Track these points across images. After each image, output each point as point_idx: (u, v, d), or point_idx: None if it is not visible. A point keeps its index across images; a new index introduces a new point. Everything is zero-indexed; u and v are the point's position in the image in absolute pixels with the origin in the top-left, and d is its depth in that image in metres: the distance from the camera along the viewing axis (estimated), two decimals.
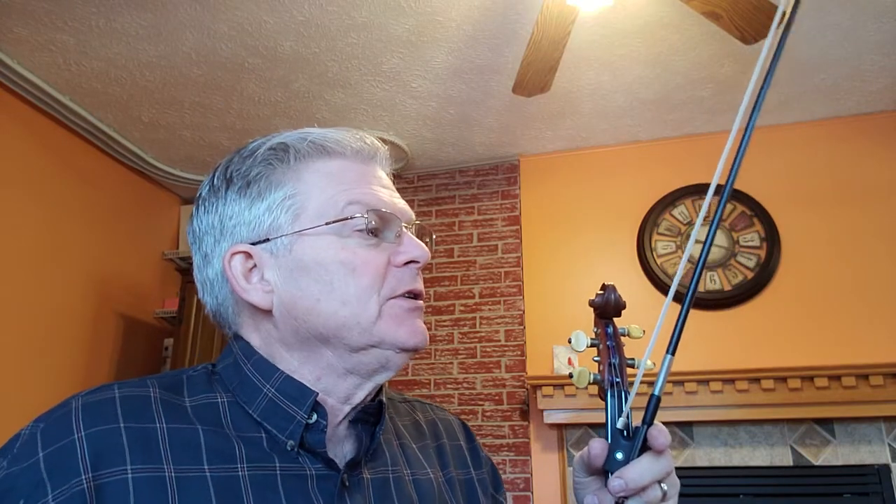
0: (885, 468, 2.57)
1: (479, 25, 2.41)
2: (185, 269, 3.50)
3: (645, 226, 3.12)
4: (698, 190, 3.12)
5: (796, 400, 2.60)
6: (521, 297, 3.20)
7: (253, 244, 0.66)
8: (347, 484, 0.63)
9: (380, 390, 0.72)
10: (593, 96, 2.90)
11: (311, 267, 0.64)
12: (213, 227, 0.69)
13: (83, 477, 0.54)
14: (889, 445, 2.59)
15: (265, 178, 0.67)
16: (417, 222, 0.72)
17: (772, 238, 2.95)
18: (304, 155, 0.68)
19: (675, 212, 3.12)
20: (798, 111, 3.02)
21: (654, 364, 0.63)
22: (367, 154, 0.70)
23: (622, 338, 0.70)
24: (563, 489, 2.85)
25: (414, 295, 0.68)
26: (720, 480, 2.69)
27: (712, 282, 2.97)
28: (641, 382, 0.61)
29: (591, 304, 0.72)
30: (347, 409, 0.67)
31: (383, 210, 0.67)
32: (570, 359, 2.95)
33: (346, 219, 0.65)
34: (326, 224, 0.65)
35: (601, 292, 0.72)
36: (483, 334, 3.19)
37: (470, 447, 0.83)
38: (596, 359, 0.69)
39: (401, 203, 0.70)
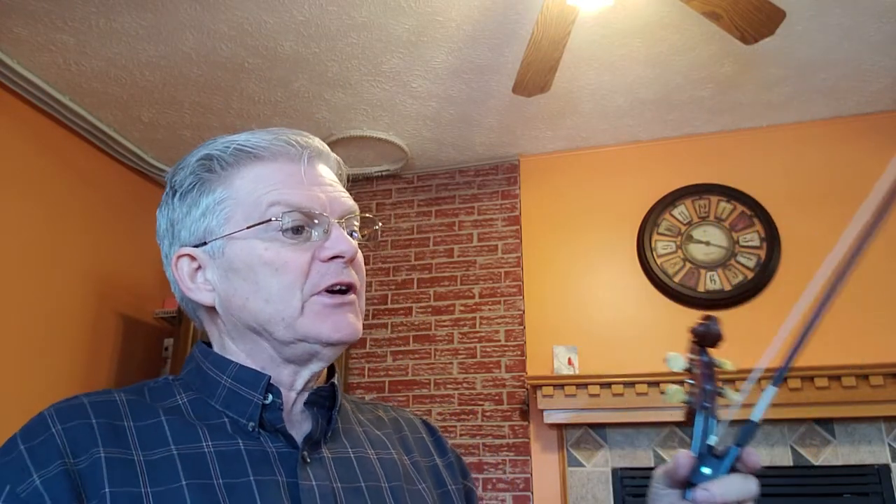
0: (885, 468, 2.57)
1: (479, 25, 2.41)
2: None
3: (645, 226, 3.12)
4: (698, 190, 3.12)
5: (796, 400, 2.60)
6: (521, 297, 3.20)
7: (195, 247, 0.72)
8: (308, 460, 0.67)
9: (332, 374, 0.76)
10: (593, 96, 2.90)
11: (240, 268, 0.69)
12: (167, 231, 0.75)
13: (65, 460, 0.58)
14: (889, 445, 2.59)
15: (197, 186, 0.72)
16: (363, 215, 0.76)
17: (772, 238, 2.95)
18: (230, 163, 0.71)
19: (675, 212, 3.12)
20: (798, 111, 3.02)
21: (738, 394, 0.68)
22: (294, 154, 0.72)
23: (715, 368, 0.74)
24: (563, 489, 2.85)
25: (345, 288, 0.70)
26: None
27: (712, 282, 2.97)
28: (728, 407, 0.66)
29: (693, 331, 0.75)
30: (293, 395, 0.71)
31: (306, 208, 0.69)
32: (570, 359, 2.94)
33: (267, 221, 0.68)
34: (248, 227, 0.68)
35: (703, 321, 0.75)
36: (483, 334, 3.19)
37: (433, 439, 0.86)
38: (690, 381, 0.73)
39: (337, 196, 0.73)
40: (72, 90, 2.76)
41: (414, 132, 3.15)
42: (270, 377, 0.69)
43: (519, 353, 3.11)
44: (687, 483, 0.63)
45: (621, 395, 2.77)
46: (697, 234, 3.07)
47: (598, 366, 2.90)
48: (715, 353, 0.75)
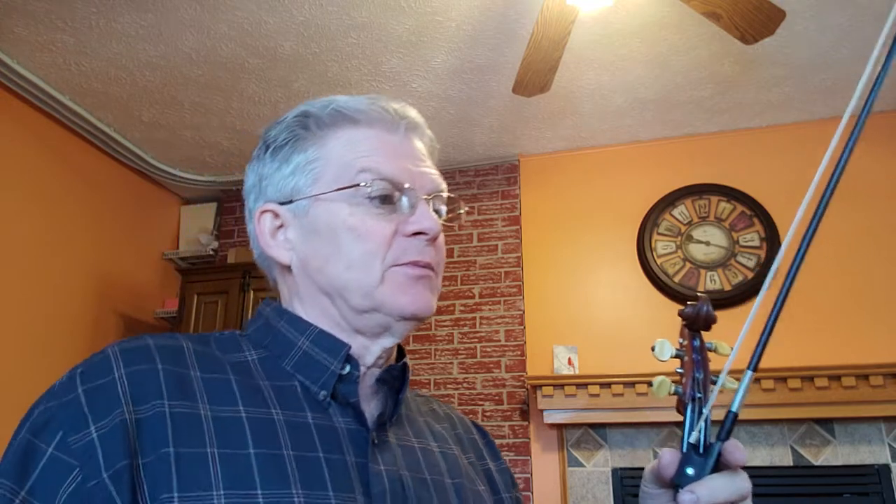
0: (885, 468, 2.57)
1: (479, 25, 2.41)
2: (184, 270, 3.49)
3: (645, 226, 3.12)
4: (698, 190, 3.12)
5: (796, 400, 2.60)
6: (521, 297, 3.20)
7: (280, 204, 0.70)
8: (377, 442, 0.64)
9: (402, 355, 0.73)
10: (593, 96, 2.90)
11: (323, 230, 0.67)
12: (254, 187, 0.73)
13: (124, 409, 0.55)
14: (889, 445, 2.59)
15: (291, 143, 0.71)
16: (449, 195, 0.74)
17: (772, 238, 2.95)
18: (326, 123, 0.70)
19: (675, 212, 3.12)
20: (798, 111, 3.02)
21: (736, 381, 0.60)
22: (390, 122, 0.71)
23: (708, 353, 0.67)
24: (563, 489, 2.85)
25: (423, 266, 0.68)
26: None
27: (712, 282, 2.97)
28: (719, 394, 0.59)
29: (682, 314, 0.68)
30: (363, 368, 0.68)
31: (396, 179, 0.68)
32: (569, 359, 2.94)
33: (356, 185, 0.67)
34: (337, 190, 0.67)
35: (693, 303, 0.68)
36: (483, 334, 3.19)
37: (485, 442, 0.84)
38: (679, 370, 0.66)
39: (427, 173, 0.71)
40: (72, 90, 2.76)
41: None
42: (350, 346, 0.66)
43: (519, 353, 3.11)
44: (675, 485, 0.58)
45: (621, 395, 2.77)
46: (697, 234, 3.07)
47: (598, 366, 2.90)
48: (709, 336, 0.68)
